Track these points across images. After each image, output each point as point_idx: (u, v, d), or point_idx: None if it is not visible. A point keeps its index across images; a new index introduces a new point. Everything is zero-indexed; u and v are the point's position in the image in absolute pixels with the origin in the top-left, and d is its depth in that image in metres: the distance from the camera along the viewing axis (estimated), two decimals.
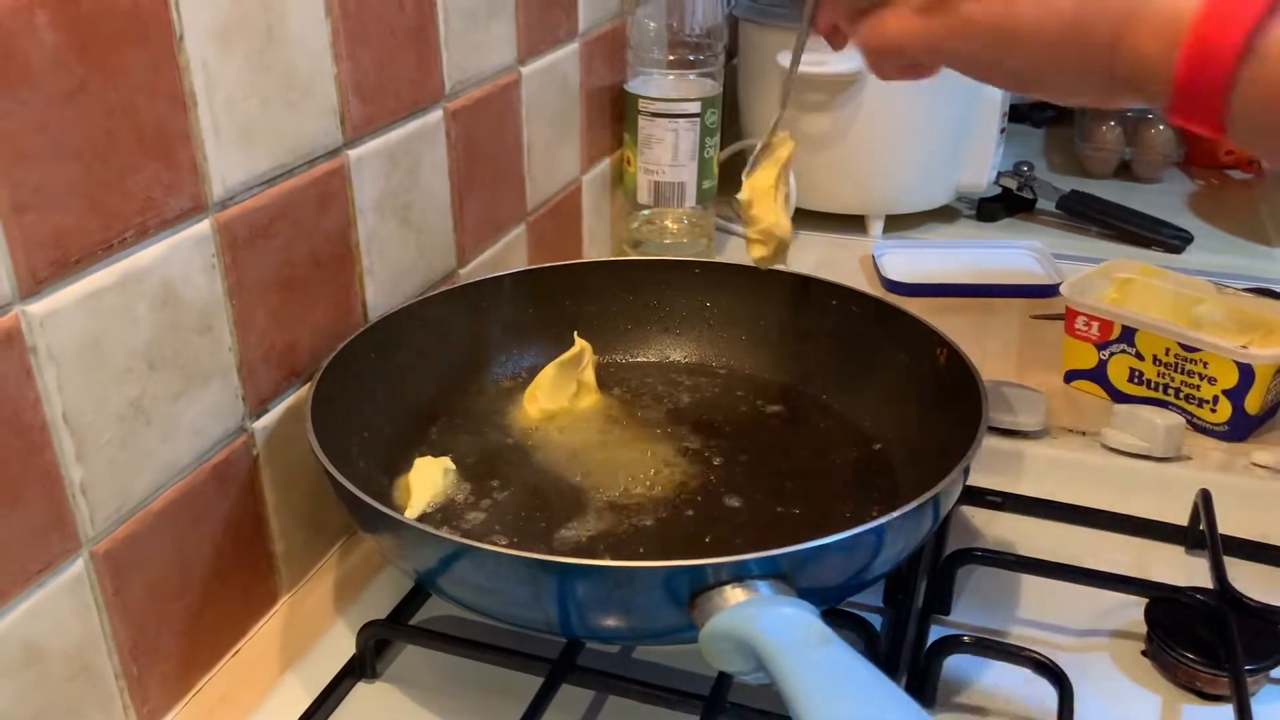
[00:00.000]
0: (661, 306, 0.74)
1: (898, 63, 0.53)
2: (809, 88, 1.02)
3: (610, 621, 0.47)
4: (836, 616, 0.51)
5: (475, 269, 0.75)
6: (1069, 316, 0.78)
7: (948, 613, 0.57)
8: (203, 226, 0.50)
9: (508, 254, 0.80)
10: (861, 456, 0.63)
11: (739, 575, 0.44)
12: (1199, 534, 0.61)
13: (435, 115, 0.68)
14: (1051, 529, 0.64)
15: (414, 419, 0.65)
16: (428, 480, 0.59)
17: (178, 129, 0.48)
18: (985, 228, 1.12)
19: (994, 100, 1.05)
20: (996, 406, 0.72)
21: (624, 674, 0.51)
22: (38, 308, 0.42)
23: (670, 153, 0.93)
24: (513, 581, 0.46)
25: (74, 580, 0.46)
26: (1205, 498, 0.61)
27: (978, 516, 0.65)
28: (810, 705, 0.38)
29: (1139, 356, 0.74)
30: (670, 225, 0.98)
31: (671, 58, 0.93)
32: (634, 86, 0.93)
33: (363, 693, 0.53)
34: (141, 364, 0.47)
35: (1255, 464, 0.69)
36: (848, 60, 0.99)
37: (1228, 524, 0.60)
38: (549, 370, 0.68)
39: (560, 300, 0.72)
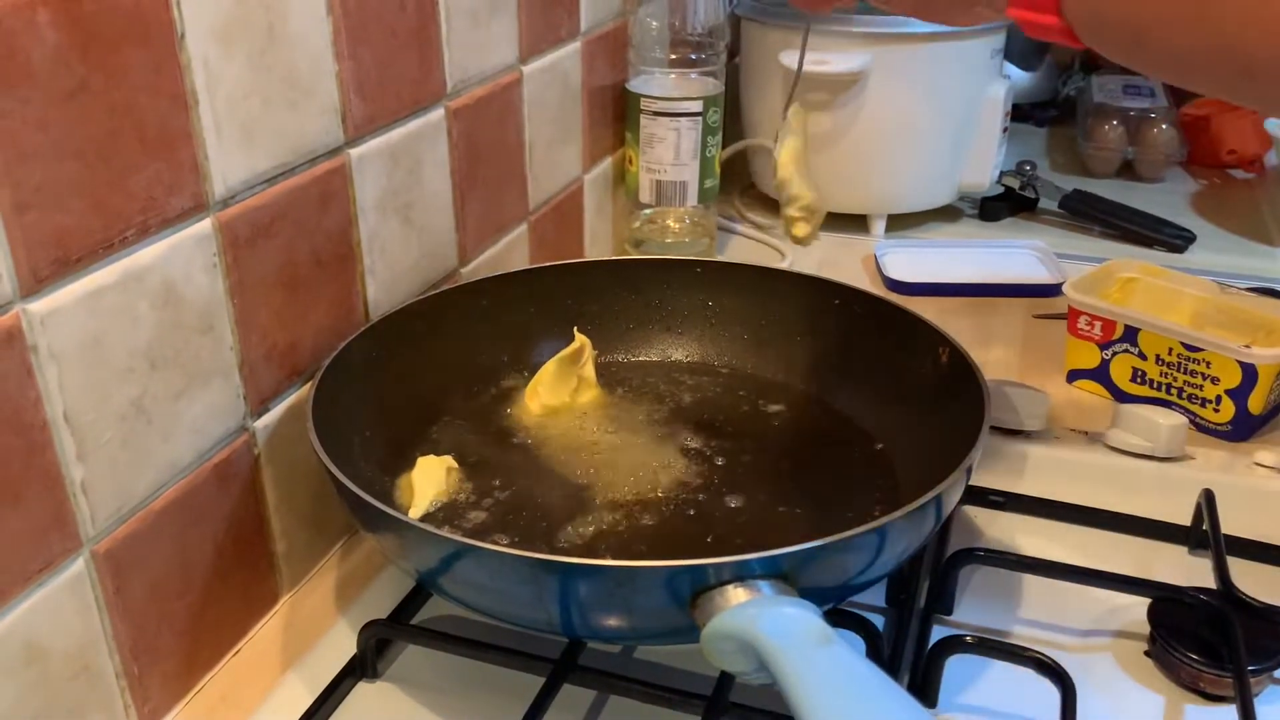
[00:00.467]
0: (663, 306, 0.74)
1: None
2: (811, 87, 1.01)
3: (611, 621, 0.47)
4: (838, 616, 0.51)
5: (477, 268, 0.75)
6: (1071, 316, 0.78)
7: (950, 613, 0.57)
8: (204, 225, 0.50)
9: (509, 253, 0.80)
10: (863, 456, 0.63)
11: (740, 575, 0.44)
12: (1202, 534, 0.61)
13: (437, 114, 0.68)
14: (1054, 529, 0.63)
15: (415, 418, 0.65)
16: (431, 479, 0.59)
17: (179, 128, 0.48)
18: (988, 227, 1.12)
19: (997, 99, 1.05)
20: (999, 406, 0.72)
21: (626, 674, 0.50)
22: (39, 306, 0.42)
23: (672, 152, 0.93)
24: (514, 581, 0.46)
25: (75, 580, 0.46)
26: (1208, 498, 0.61)
27: (980, 516, 0.65)
28: (812, 706, 0.38)
29: (1142, 356, 0.75)
30: (672, 224, 0.98)
31: (673, 57, 0.92)
32: (636, 85, 0.93)
33: (364, 692, 0.53)
34: (143, 363, 0.47)
35: (1258, 464, 0.69)
36: (850, 60, 0.99)
37: (1230, 524, 0.60)
38: (550, 366, 0.68)
39: (562, 299, 0.72)
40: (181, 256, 0.49)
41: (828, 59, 0.99)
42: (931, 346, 0.62)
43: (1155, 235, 1.07)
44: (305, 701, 0.51)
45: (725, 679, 0.49)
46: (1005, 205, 1.14)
